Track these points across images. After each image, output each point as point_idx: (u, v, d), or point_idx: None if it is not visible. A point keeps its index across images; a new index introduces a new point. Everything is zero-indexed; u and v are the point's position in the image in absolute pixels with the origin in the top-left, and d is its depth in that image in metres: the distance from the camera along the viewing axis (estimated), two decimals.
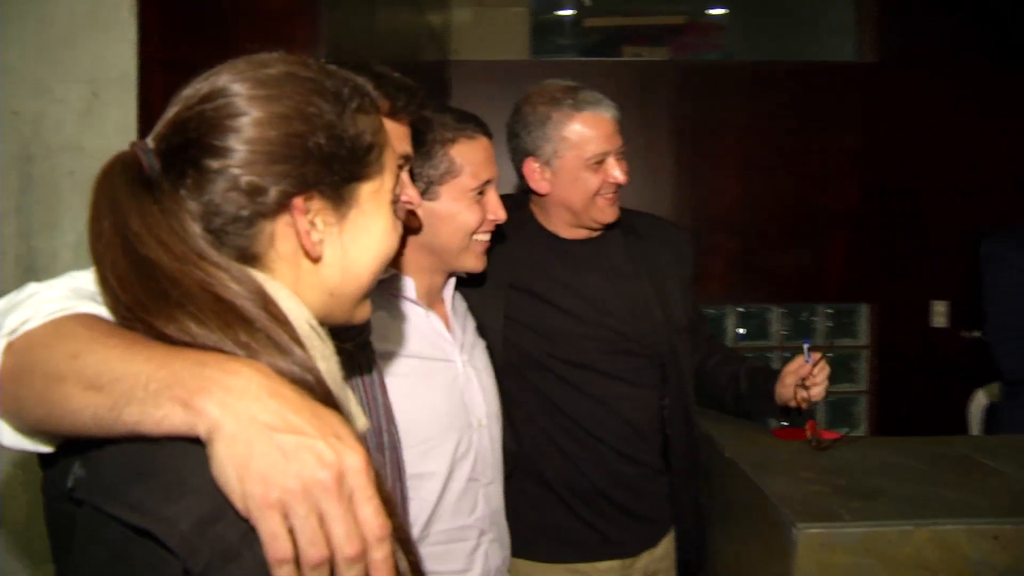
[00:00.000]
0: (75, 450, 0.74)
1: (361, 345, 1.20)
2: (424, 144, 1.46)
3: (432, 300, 1.58)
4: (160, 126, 0.81)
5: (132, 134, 1.56)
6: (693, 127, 3.69)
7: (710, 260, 3.65)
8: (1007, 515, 1.42)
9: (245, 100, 0.79)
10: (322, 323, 0.86)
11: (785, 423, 1.83)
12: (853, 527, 1.40)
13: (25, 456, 0.76)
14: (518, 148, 1.82)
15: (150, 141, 0.80)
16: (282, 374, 0.73)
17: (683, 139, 3.69)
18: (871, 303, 3.79)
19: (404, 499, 1.24)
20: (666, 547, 1.92)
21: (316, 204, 0.81)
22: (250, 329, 0.74)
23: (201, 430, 0.67)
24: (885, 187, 3.66)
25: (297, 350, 0.76)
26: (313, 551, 0.67)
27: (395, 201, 0.90)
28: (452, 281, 1.62)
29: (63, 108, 1.53)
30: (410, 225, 1.49)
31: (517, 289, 1.81)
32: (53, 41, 1.51)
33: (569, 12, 4.26)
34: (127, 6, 1.55)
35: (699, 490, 1.94)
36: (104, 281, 0.76)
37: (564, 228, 1.87)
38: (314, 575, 0.67)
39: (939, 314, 3.64)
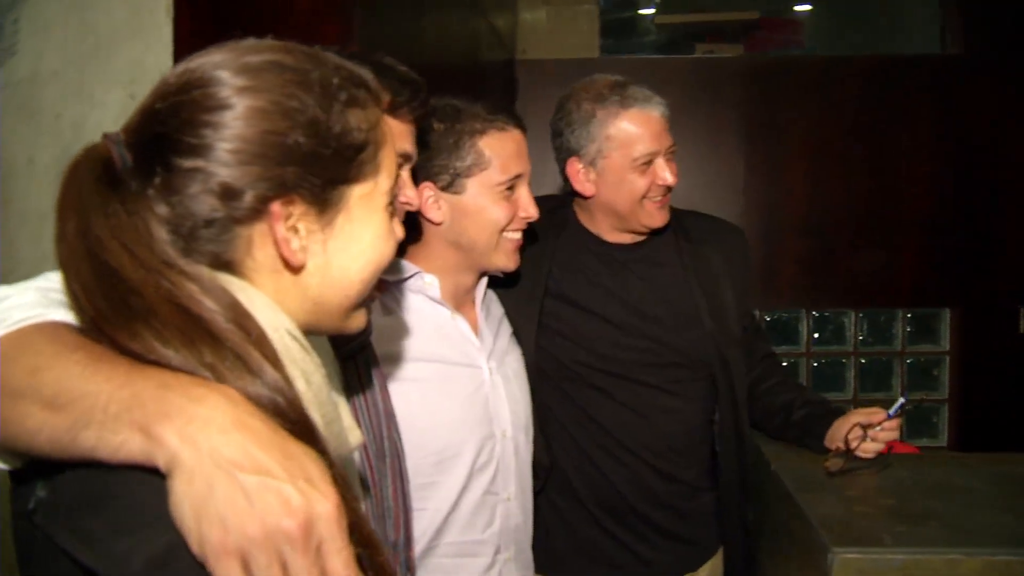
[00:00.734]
0: (42, 469, 0.68)
1: (359, 348, 1.15)
2: (429, 138, 1.40)
3: (460, 301, 1.51)
4: (134, 115, 0.73)
5: None
6: (764, 125, 3.53)
7: (780, 262, 3.49)
8: None
9: (220, 91, 0.70)
10: (309, 333, 0.79)
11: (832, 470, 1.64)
12: (894, 553, 1.27)
13: None
14: (561, 147, 1.72)
15: (121, 132, 0.73)
16: (252, 398, 0.66)
17: (753, 137, 3.53)
18: (953, 308, 3.54)
19: (407, 509, 1.19)
20: (710, 570, 1.78)
21: (297, 209, 0.73)
22: (217, 347, 0.67)
23: (160, 461, 0.61)
24: (967, 185, 3.41)
25: (269, 371, 0.68)
26: None
27: (392, 204, 0.81)
28: (483, 282, 1.54)
29: (103, 111, 1.55)
30: (432, 220, 1.44)
31: (554, 296, 1.71)
32: (93, 47, 1.53)
33: (643, 12, 4.15)
34: (163, 10, 1.55)
35: (748, 511, 1.80)
36: (69, 290, 0.70)
37: (609, 231, 1.76)
38: None
39: None
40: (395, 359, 1.38)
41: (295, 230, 0.73)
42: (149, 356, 0.66)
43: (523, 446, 1.53)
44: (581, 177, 1.70)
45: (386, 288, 1.41)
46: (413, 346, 1.41)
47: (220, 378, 0.66)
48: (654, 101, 1.66)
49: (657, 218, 1.70)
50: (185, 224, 0.71)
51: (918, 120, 3.44)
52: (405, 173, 1.18)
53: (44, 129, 1.49)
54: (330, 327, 0.82)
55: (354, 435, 0.79)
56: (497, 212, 1.43)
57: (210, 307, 0.68)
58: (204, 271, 0.71)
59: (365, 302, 0.83)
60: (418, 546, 1.34)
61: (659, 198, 1.68)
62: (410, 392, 1.37)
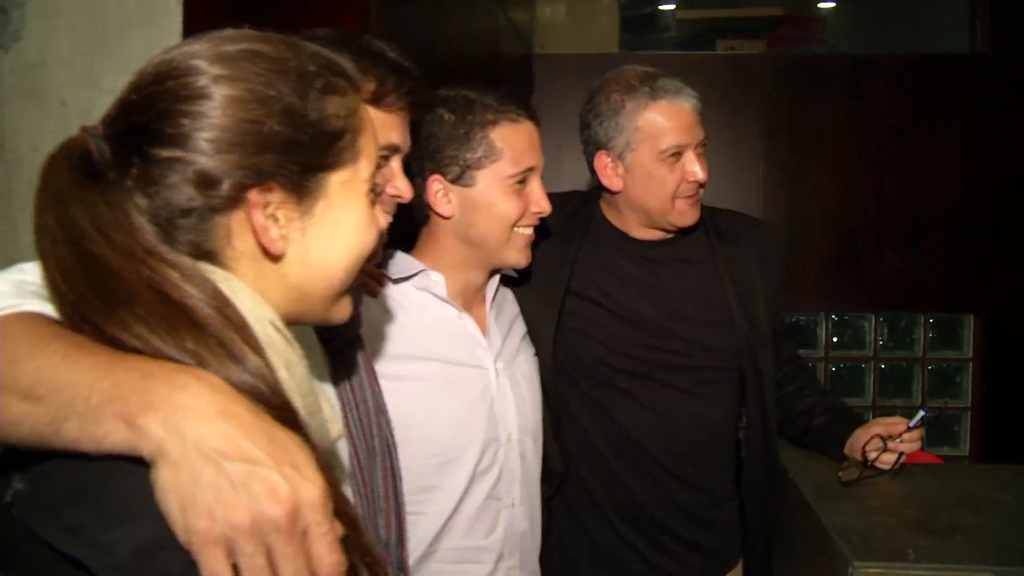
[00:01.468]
0: (19, 460, 0.67)
1: (348, 342, 1.11)
2: (438, 129, 1.37)
3: (469, 300, 1.46)
4: (111, 107, 0.74)
5: None
6: (787, 124, 3.47)
7: (802, 264, 3.42)
8: None
9: (196, 80, 0.71)
10: (293, 323, 0.78)
11: (846, 479, 1.60)
12: (918, 569, 1.23)
13: None
14: (589, 140, 1.66)
15: (100, 124, 0.73)
16: (234, 385, 0.66)
17: (776, 136, 3.47)
18: (977, 313, 3.46)
19: (400, 508, 1.15)
20: None
21: (275, 197, 0.73)
22: (200, 334, 0.67)
23: (144, 451, 0.61)
24: (996, 187, 3.33)
25: (252, 357, 0.68)
26: None
27: (375, 191, 0.81)
28: (494, 281, 1.50)
29: (111, 99, 1.52)
30: (441, 214, 1.41)
31: (578, 295, 1.66)
32: (103, 33, 1.51)
33: (664, 7, 4.10)
34: None
35: (770, 521, 1.74)
36: (50, 279, 0.69)
37: (637, 228, 1.70)
38: None
39: None
40: (397, 357, 1.34)
41: (274, 218, 0.73)
42: (132, 343, 0.65)
43: (530, 451, 1.48)
44: (609, 171, 1.65)
45: (385, 283, 1.39)
46: (416, 344, 1.37)
47: (203, 364, 0.66)
48: (685, 93, 1.61)
49: (688, 216, 1.64)
50: (163, 214, 0.71)
51: (946, 120, 3.37)
52: (395, 164, 1.13)
53: (50, 116, 1.47)
54: (314, 317, 0.82)
55: (335, 427, 0.79)
56: (508, 206, 1.39)
57: (192, 294, 0.68)
58: (185, 260, 0.70)
59: (352, 292, 0.83)
60: (417, 550, 1.31)
61: (690, 195, 1.62)
62: (412, 391, 1.33)
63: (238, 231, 0.73)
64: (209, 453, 0.60)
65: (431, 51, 2.06)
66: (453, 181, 1.38)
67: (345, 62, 0.80)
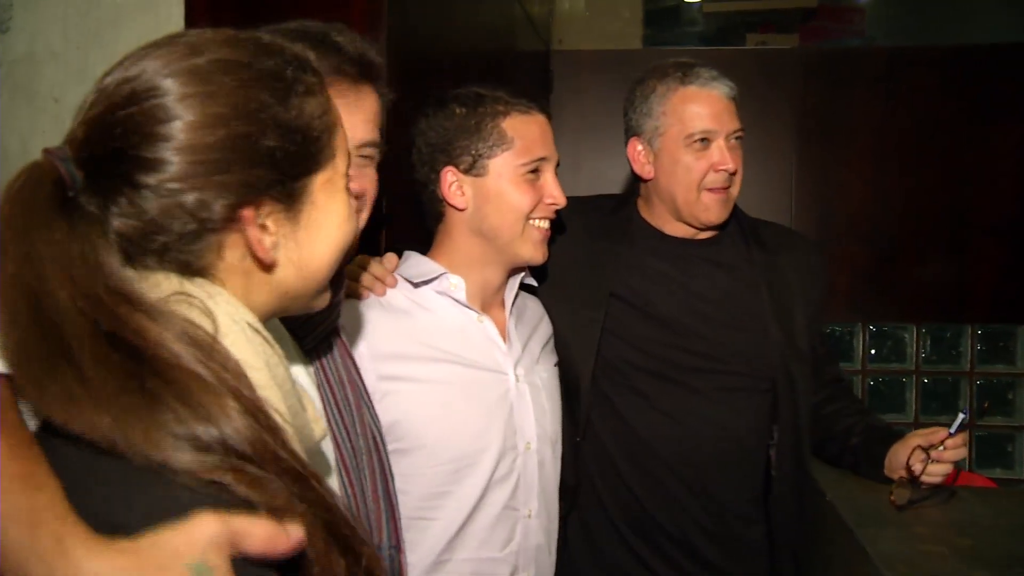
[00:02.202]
0: None
1: (325, 336, 1.12)
2: (449, 123, 1.43)
3: (488, 303, 1.50)
4: (78, 127, 0.72)
5: None
6: (820, 122, 3.43)
7: (835, 272, 3.37)
8: None
9: (175, 100, 0.70)
10: (277, 316, 0.83)
11: (899, 503, 1.56)
12: None
13: None
14: (627, 128, 1.73)
15: (66, 146, 0.71)
16: (200, 445, 0.64)
17: (809, 135, 3.43)
18: None
19: (392, 508, 1.16)
20: None
21: (267, 209, 0.75)
22: (160, 384, 0.64)
23: None
24: None
25: (228, 409, 0.65)
26: None
27: (350, 180, 0.84)
28: (514, 283, 1.52)
29: None
30: (455, 206, 1.45)
31: (613, 295, 1.68)
32: (96, 24, 1.50)
33: None
34: None
35: (802, 546, 1.71)
36: (2, 327, 0.66)
37: (668, 222, 1.73)
38: None
39: None
40: (414, 358, 1.38)
41: (265, 228, 0.75)
42: (73, 426, 0.63)
43: (549, 461, 1.50)
44: (641, 158, 1.71)
45: (393, 284, 1.43)
46: (434, 347, 1.41)
47: (159, 423, 0.63)
48: (719, 81, 1.65)
49: (714, 213, 1.65)
50: (157, 240, 0.72)
51: (993, 115, 3.30)
52: (369, 168, 1.15)
53: (42, 114, 1.46)
54: (297, 309, 0.85)
55: (318, 427, 0.81)
56: (520, 196, 1.44)
57: (156, 338, 0.66)
58: (152, 300, 0.69)
59: (332, 282, 0.86)
60: (427, 559, 1.34)
61: (718, 187, 1.64)
62: (427, 395, 1.37)
63: (230, 244, 0.74)
64: None
65: (441, 47, 2.05)
66: (466, 172, 1.44)
67: (309, 54, 0.81)
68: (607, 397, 1.67)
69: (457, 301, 1.45)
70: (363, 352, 1.33)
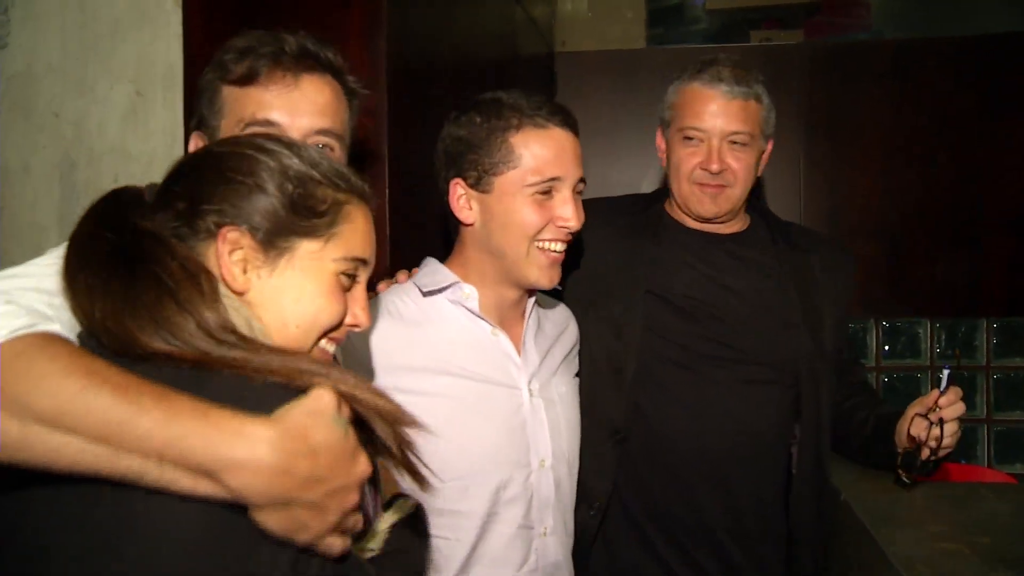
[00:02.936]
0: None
1: None
2: (466, 132, 1.38)
3: (505, 316, 1.44)
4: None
5: (178, 135, 1.54)
6: (827, 118, 3.40)
7: None
8: None
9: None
10: None
11: (904, 477, 1.55)
12: None
13: None
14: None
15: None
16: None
17: (817, 131, 3.41)
18: None
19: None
20: None
21: (246, 241, 0.88)
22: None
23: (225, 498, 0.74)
24: None
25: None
26: None
27: (346, 275, 0.94)
28: (532, 301, 1.47)
29: (106, 109, 1.52)
30: (463, 221, 1.42)
31: (650, 292, 1.70)
32: (95, 37, 1.51)
33: None
34: None
35: (821, 547, 1.71)
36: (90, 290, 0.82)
37: (686, 216, 1.77)
38: None
39: None
40: (424, 371, 1.35)
41: (240, 258, 0.88)
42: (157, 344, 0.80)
43: (565, 479, 1.46)
44: (660, 148, 1.79)
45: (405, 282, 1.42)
46: (446, 359, 1.37)
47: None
48: (726, 83, 1.66)
49: (704, 206, 1.68)
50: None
51: (1006, 107, 3.27)
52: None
53: (41, 129, 1.47)
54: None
55: None
56: (525, 216, 1.36)
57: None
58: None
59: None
60: None
61: (706, 182, 1.66)
62: (439, 408, 1.32)
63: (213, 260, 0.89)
64: (282, 496, 0.75)
65: (442, 50, 2.05)
66: (473, 186, 1.39)
67: (355, 179, 0.96)
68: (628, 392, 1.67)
69: (470, 311, 1.40)
70: (374, 364, 1.31)
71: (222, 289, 0.86)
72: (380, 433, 0.85)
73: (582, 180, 1.41)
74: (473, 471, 1.34)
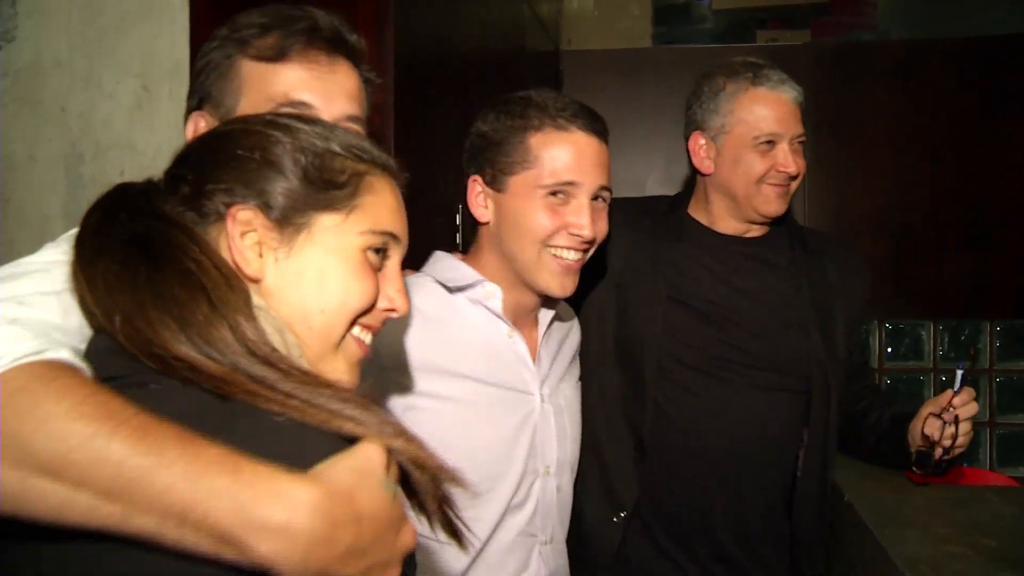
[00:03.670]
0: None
1: None
2: (489, 128, 1.36)
3: (521, 319, 1.42)
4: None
5: (184, 129, 1.53)
6: (836, 117, 3.39)
7: None
8: None
9: None
10: None
11: (918, 472, 1.55)
12: None
13: None
14: (689, 121, 1.76)
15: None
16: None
17: (823, 131, 3.39)
18: None
19: None
20: None
21: (259, 220, 0.80)
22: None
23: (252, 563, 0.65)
24: None
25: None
26: None
27: (374, 251, 0.85)
28: (549, 313, 1.45)
29: (112, 102, 1.52)
30: (479, 220, 1.40)
31: (670, 296, 1.69)
32: (101, 31, 1.51)
33: None
34: None
35: (824, 548, 1.72)
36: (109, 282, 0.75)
37: (722, 220, 1.75)
38: None
39: None
40: (436, 372, 1.32)
41: (254, 240, 0.80)
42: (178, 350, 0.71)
43: (566, 485, 1.46)
44: (702, 153, 1.73)
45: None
46: (458, 361, 1.34)
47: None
48: (788, 84, 1.70)
49: (773, 205, 1.69)
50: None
51: (1013, 108, 3.27)
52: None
53: (48, 122, 1.47)
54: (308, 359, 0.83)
55: None
56: (536, 219, 1.32)
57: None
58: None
59: (332, 350, 0.84)
60: None
61: (778, 183, 1.68)
62: (450, 412, 1.31)
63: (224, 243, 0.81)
64: (318, 570, 0.65)
65: (448, 47, 2.04)
66: (488, 184, 1.37)
67: (377, 152, 0.87)
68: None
69: (491, 311, 1.37)
70: (388, 359, 1.28)
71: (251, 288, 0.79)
72: (418, 488, 0.75)
73: (606, 189, 1.37)
74: (484, 477, 1.31)
